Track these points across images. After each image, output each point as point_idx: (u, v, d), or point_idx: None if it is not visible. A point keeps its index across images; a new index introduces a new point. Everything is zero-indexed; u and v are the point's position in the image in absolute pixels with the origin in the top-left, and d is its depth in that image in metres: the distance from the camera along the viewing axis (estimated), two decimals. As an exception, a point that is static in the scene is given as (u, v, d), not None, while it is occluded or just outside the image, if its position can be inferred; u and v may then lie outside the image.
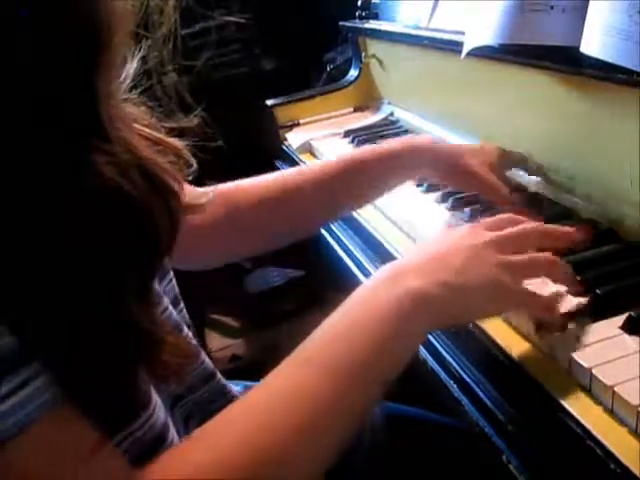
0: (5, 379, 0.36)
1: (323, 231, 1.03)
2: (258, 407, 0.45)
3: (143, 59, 0.52)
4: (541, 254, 0.57)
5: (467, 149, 0.83)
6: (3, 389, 0.35)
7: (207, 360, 0.61)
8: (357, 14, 1.40)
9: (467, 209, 0.85)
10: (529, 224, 0.59)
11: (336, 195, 0.77)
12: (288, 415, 0.44)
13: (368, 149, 0.80)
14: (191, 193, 0.63)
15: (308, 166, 0.78)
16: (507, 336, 0.61)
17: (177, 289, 0.60)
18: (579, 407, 0.51)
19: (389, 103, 1.39)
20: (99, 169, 0.39)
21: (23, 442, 0.36)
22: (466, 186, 0.83)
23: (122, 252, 0.41)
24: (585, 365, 0.53)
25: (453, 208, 0.88)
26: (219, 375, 0.64)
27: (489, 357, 0.60)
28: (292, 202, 0.76)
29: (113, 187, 0.39)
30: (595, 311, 0.59)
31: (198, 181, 0.63)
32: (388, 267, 0.53)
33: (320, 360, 0.47)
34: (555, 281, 0.57)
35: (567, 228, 0.60)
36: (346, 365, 0.46)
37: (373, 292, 0.51)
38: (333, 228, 0.99)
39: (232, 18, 2.05)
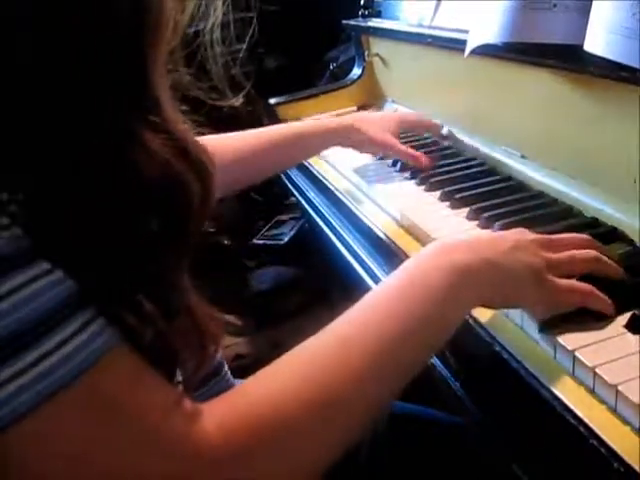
0: (72, 318, 0.38)
1: (326, 229, 1.03)
2: (317, 352, 0.48)
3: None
4: (582, 251, 0.60)
5: (360, 121, 1.05)
6: (69, 329, 0.37)
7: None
8: (360, 12, 1.40)
9: (467, 208, 0.86)
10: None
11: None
12: (344, 362, 0.47)
13: (293, 130, 1.02)
14: None
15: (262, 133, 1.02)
16: (509, 335, 0.61)
17: None
18: (582, 406, 0.51)
19: (392, 101, 1.39)
20: (154, 148, 0.41)
21: (100, 372, 0.38)
22: (366, 151, 1.10)
23: (159, 225, 0.43)
24: (588, 364, 0.52)
25: (453, 206, 0.88)
26: (226, 368, 0.64)
27: (490, 355, 0.60)
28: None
29: (164, 165, 0.42)
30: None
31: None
32: (438, 243, 0.57)
33: (373, 318, 0.50)
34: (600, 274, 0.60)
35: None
36: (396, 325, 0.49)
37: (424, 262, 0.54)
38: (335, 226, 1.00)
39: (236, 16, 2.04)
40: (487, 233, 0.62)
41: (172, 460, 0.41)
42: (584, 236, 0.64)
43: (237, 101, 0.62)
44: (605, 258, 0.61)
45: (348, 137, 1.03)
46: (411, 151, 1.04)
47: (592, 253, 0.60)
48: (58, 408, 0.37)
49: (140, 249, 0.41)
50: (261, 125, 1.05)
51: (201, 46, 0.56)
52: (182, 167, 0.43)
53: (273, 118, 1.39)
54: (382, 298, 0.52)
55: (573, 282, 0.58)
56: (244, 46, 0.64)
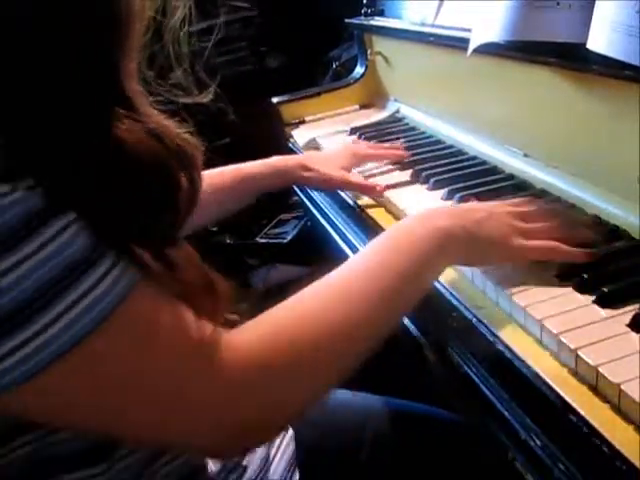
0: (99, 262, 0.42)
1: (328, 228, 1.03)
2: (316, 296, 0.55)
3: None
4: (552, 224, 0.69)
5: (309, 158, 1.06)
6: (99, 271, 0.42)
7: None
8: (363, 11, 1.40)
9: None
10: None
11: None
12: (341, 304, 0.54)
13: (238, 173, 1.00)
14: None
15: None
16: (512, 334, 0.61)
17: None
18: (586, 404, 0.51)
19: (395, 100, 1.39)
20: (126, 131, 0.44)
21: (132, 303, 0.43)
22: (321, 187, 1.08)
23: (146, 207, 0.45)
24: (591, 363, 0.53)
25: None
26: None
27: (494, 354, 0.60)
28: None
29: (143, 148, 0.44)
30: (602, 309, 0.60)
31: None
32: (422, 211, 0.67)
33: (367, 270, 0.58)
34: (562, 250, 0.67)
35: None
36: (388, 276, 0.57)
37: (410, 226, 0.64)
38: (338, 225, 0.99)
39: (238, 15, 2.05)
40: (467, 204, 0.73)
41: (206, 370, 0.46)
42: (554, 207, 0.74)
43: (204, 98, 0.63)
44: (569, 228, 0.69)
45: (297, 175, 1.01)
46: (363, 182, 1.02)
47: (557, 223, 0.69)
48: (105, 335, 0.42)
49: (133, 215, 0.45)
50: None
51: (167, 45, 0.58)
52: (160, 150, 0.46)
53: (275, 117, 1.39)
54: (376, 251, 0.60)
55: (539, 241, 0.66)
56: (210, 44, 0.65)
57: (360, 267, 0.59)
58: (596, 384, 0.52)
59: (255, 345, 0.49)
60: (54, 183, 0.41)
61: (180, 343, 0.45)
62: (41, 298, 0.40)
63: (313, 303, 0.54)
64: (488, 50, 0.90)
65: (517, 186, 0.91)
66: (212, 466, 0.59)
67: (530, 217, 0.69)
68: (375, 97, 1.44)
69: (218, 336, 0.47)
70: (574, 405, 0.51)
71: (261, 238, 1.99)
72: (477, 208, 0.69)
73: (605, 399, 0.51)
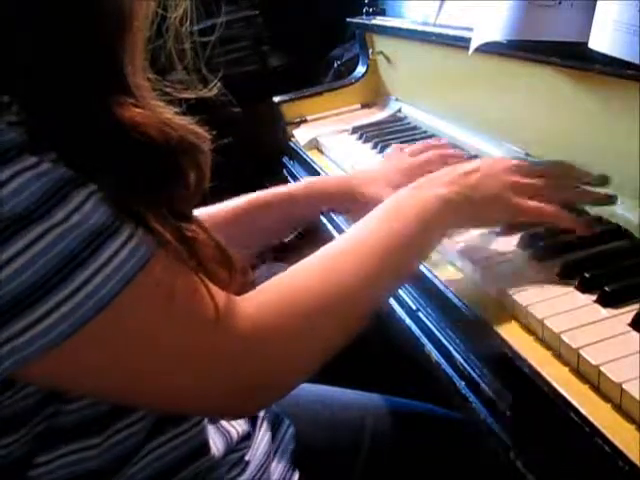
0: (121, 229, 0.44)
1: (329, 226, 1.03)
2: (321, 262, 0.58)
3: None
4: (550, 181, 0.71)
5: (359, 181, 0.91)
6: (120, 239, 0.44)
7: None
8: (364, 10, 1.40)
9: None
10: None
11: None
12: (344, 269, 0.57)
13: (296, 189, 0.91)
14: None
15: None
16: (514, 333, 0.61)
17: None
18: (587, 404, 0.51)
19: (396, 99, 1.39)
20: (138, 115, 0.46)
21: (153, 267, 0.45)
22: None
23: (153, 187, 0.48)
24: (593, 362, 0.52)
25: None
26: None
27: (496, 354, 0.60)
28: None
29: (153, 129, 0.47)
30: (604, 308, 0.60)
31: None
32: (418, 181, 0.69)
33: (369, 237, 0.61)
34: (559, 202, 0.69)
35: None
36: (388, 242, 0.60)
37: (407, 196, 0.66)
38: (339, 223, 0.99)
39: (240, 15, 2.05)
40: (463, 166, 0.70)
41: (220, 333, 0.48)
42: (558, 163, 0.78)
43: (209, 92, 0.64)
44: (579, 188, 0.72)
45: (349, 204, 0.89)
46: None
47: (559, 182, 0.71)
48: (128, 298, 0.44)
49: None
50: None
51: (168, 43, 0.60)
52: (169, 132, 0.47)
53: (277, 116, 1.39)
54: (376, 220, 0.63)
55: (540, 204, 0.67)
56: (211, 43, 0.66)
57: (361, 235, 0.61)
58: (598, 383, 0.52)
59: (264, 308, 0.52)
60: (73, 157, 0.43)
61: (196, 307, 0.48)
62: (68, 265, 0.42)
63: (318, 269, 0.57)
64: (490, 49, 0.90)
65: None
66: (215, 451, 0.59)
67: (531, 173, 0.69)
68: (376, 96, 1.44)
69: (230, 301, 0.50)
70: (576, 404, 0.51)
71: (262, 237, 1.98)
72: (473, 170, 0.68)
73: (607, 398, 0.51)
